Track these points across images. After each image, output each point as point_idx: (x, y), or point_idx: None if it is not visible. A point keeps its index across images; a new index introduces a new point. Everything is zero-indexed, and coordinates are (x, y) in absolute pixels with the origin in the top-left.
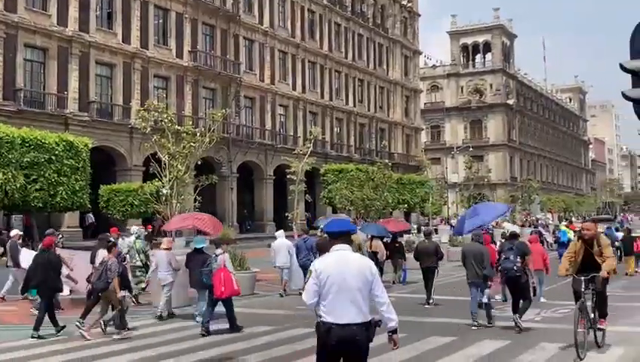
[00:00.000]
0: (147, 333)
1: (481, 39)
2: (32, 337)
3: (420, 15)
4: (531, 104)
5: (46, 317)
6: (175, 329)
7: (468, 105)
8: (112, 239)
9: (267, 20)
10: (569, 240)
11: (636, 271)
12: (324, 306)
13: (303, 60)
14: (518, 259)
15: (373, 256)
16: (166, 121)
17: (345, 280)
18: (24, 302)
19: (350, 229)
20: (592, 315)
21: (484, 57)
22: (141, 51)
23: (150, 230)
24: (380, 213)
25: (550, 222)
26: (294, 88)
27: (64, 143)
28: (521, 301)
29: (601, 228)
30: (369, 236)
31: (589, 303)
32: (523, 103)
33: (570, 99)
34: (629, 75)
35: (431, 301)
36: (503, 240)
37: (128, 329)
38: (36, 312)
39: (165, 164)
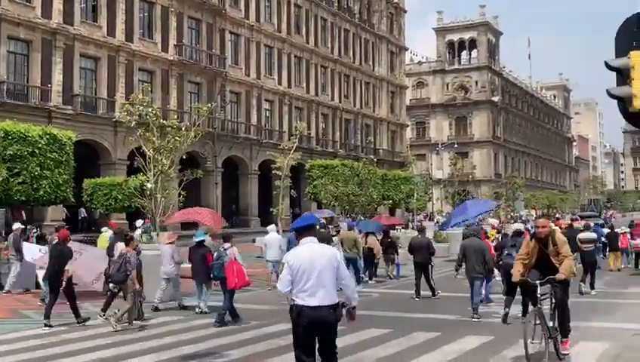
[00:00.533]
0: (130, 328)
1: (466, 36)
2: (45, 326)
3: (406, 11)
4: (516, 101)
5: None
6: (160, 324)
7: (453, 102)
8: (129, 233)
9: (253, 15)
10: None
11: (622, 267)
12: (297, 291)
13: (289, 55)
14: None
15: (369, 251)
16: (151, 115)
17: (314, 268)
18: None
19: (313, 222)
20: (552, 323)
21: (470, 54)
22: (126, 45)
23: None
24: (364, 208)
25: (533, 218)
26: (280, 83)
27: (48, 136)
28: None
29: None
30: (363, 233)
31: (546, 309)
32: (508, 100)
33: (555, 97)
34: (614, 73)
35: (437, 294)
36: (499, 236)
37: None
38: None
39: (150, 158)
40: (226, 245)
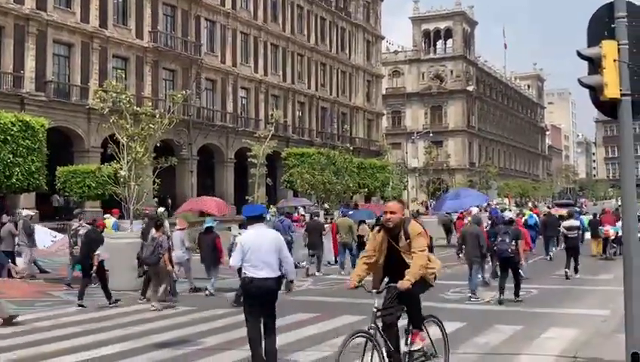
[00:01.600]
0: (104, 316)
1: (442, 25)
2: (79, 306)
3: (382, 0)
4: (491, 91)
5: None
6: (134, 312)
7: (428, 91)
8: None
9: (229, 2)
10: (536, 223)
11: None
12: (248, 266)
13: (265, 43)
14: (513, 242)
15: (359, 239)
16: (124, 101)
17: (262, 247)
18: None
19: (262, 212)
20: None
21: (446, 44)
22: (100, 31)
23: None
24: (340, 196)
25: (506, 207)
26: (256, 71)
27: (20, 123)
28: (514, 280)
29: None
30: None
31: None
32: (483, 90)
33: (529, 87)
34: (586, 62)
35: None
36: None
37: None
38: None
39: (123, 146)
40: (242, 231)
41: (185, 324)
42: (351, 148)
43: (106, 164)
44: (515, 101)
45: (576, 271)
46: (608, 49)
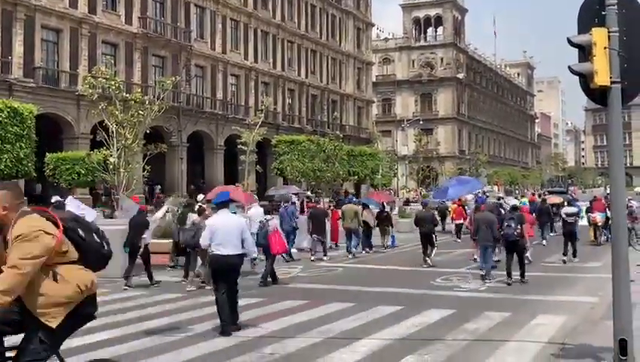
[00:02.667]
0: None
1: (432, 12)
2: (126, 285)
3: None
4: (480, 79)
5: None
6: (125, 299)
7: (419, 79)
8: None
9: None
10: (534, 210)
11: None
12: (216, 244)
13: (255, 30)
14: (518, 227)
15: (364, 224)
16: (114, 88)
17: (227, 229)
18: None
19: (227, 199)
20: None
21: (436, 31)
22: (89, 17)
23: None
24: (330, 184)
25: (496, 194)
26: (246, 58)
27: (8, 110)
28: (520, 262)
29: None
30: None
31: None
32: (473, 78)
33: (519, 75)
34: (577, 50)
35: (428, 260)
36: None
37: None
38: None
39: (113, 132)
40: (268, 217)
41: (175, 311)
42: (341, 135)
43: (95, 150)
44: (505, 89)
45: (574, 255)
46: (598, 36)
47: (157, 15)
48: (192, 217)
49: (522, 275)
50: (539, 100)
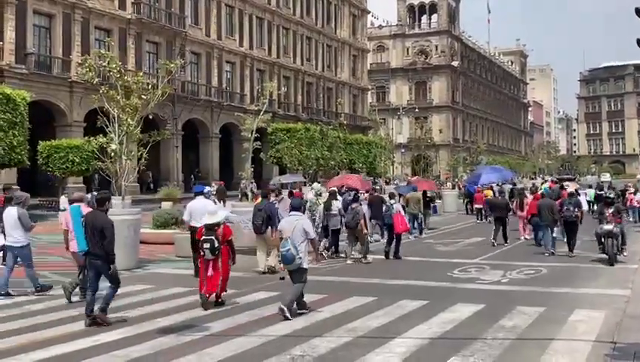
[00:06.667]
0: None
1: (427, 0)
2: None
3: None
4: (475, 66)
5: None
6: (133, 293)
7: (413, 67)
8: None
9: None
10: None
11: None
12: (193, 220)
13: (251, 16)
14: (576, 210)
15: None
16: (114, 72)
17: (200, 209)
18: None
19: (202, 190)
20: None
21: (430, 18)
22: (81, 1)
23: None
24: (328, 172)
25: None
26: (241, 45)
27: (0, 96)
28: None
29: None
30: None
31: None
32: (467, 65)
33: (512, 62)
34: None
35: (506, 243)
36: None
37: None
38: None
39: (114, 119)
40: (392, 201)
41: (187, 307)
42: (344, 123)
43: (91, 137)
44: (499, 77)
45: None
46: None
47: (151, 0)
48: (336, 204)
49: (571, 250)
50: (531, 88)
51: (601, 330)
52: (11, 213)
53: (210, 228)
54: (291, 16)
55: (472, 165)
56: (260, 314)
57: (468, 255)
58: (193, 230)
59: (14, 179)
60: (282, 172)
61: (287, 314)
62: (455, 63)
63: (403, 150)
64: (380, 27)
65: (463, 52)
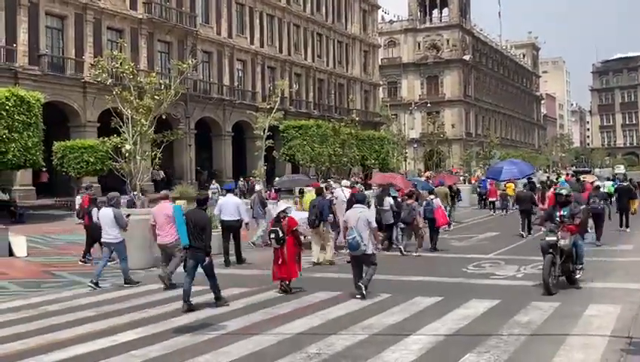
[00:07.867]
0: (116, 297)
1: None
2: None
3: None
4: (486, 60)
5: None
6: (148, 292)
7: (425, 61)
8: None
9: None
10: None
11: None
12: (222, 214)
13: (261, 13)
14: (601, 202)
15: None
16: (127, 72)
17: (229, 204)
18: None
19: (231, 188)
20: None
21: (441, 12)
22: (93, 2)
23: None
24: (340, 169)
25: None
26: (252, 42)
27: (15, 98)
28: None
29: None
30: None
31: None
32: (479, 59)
33: (524, 55)
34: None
35: (529, 234)
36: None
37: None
38: None
39: (128, 119)
40: (431, 196)
41: (203, 305)
42: (357, 119)
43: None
44: (511, 70)
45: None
46: None
47: (162, 0)
48: (388, 200)
49: (598, 239)
50: (544, 81)
51: (616, 325)
52: (107, 213)
53: (278, 220)
54: (302, 13)
55: (485, 159)
56: (276, 313)
57: (482, 250)
58: (223, 223)
59: (30, 180)
60: (295, 169)
61: (364, 292)
62: (467, 57)
63: (415, 145)
64: (391, 22)
65: (475, 46)
